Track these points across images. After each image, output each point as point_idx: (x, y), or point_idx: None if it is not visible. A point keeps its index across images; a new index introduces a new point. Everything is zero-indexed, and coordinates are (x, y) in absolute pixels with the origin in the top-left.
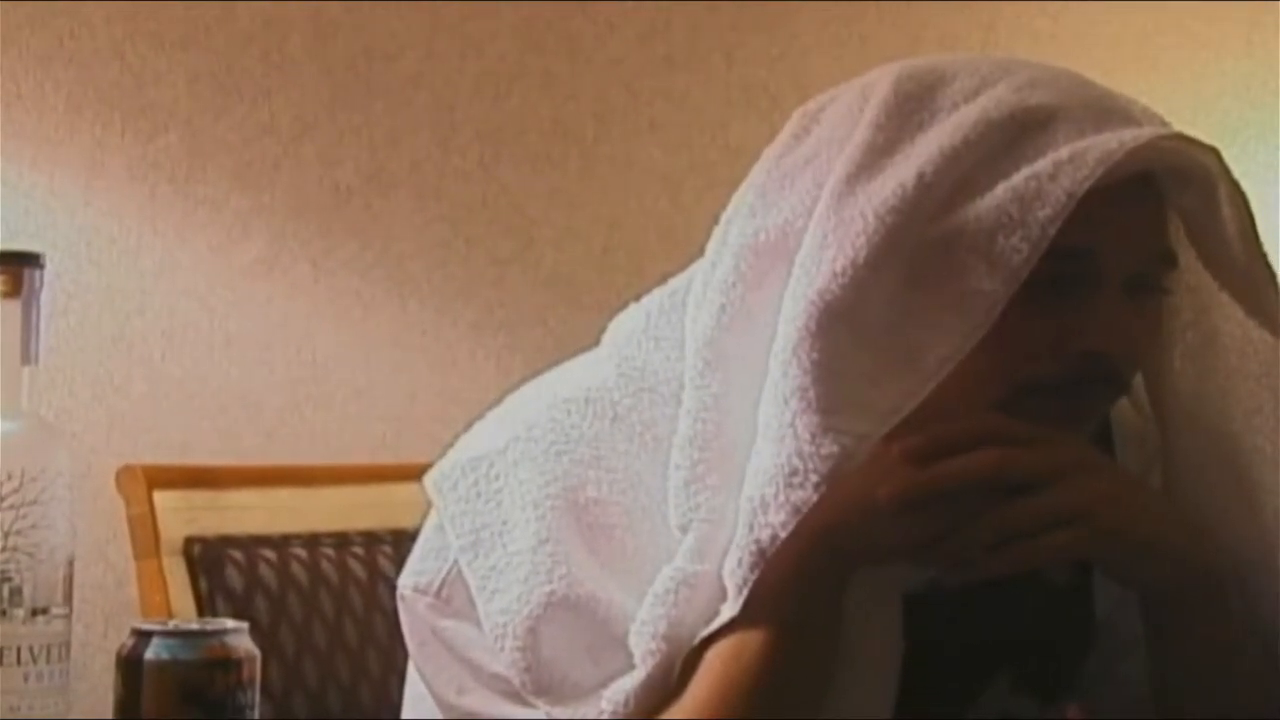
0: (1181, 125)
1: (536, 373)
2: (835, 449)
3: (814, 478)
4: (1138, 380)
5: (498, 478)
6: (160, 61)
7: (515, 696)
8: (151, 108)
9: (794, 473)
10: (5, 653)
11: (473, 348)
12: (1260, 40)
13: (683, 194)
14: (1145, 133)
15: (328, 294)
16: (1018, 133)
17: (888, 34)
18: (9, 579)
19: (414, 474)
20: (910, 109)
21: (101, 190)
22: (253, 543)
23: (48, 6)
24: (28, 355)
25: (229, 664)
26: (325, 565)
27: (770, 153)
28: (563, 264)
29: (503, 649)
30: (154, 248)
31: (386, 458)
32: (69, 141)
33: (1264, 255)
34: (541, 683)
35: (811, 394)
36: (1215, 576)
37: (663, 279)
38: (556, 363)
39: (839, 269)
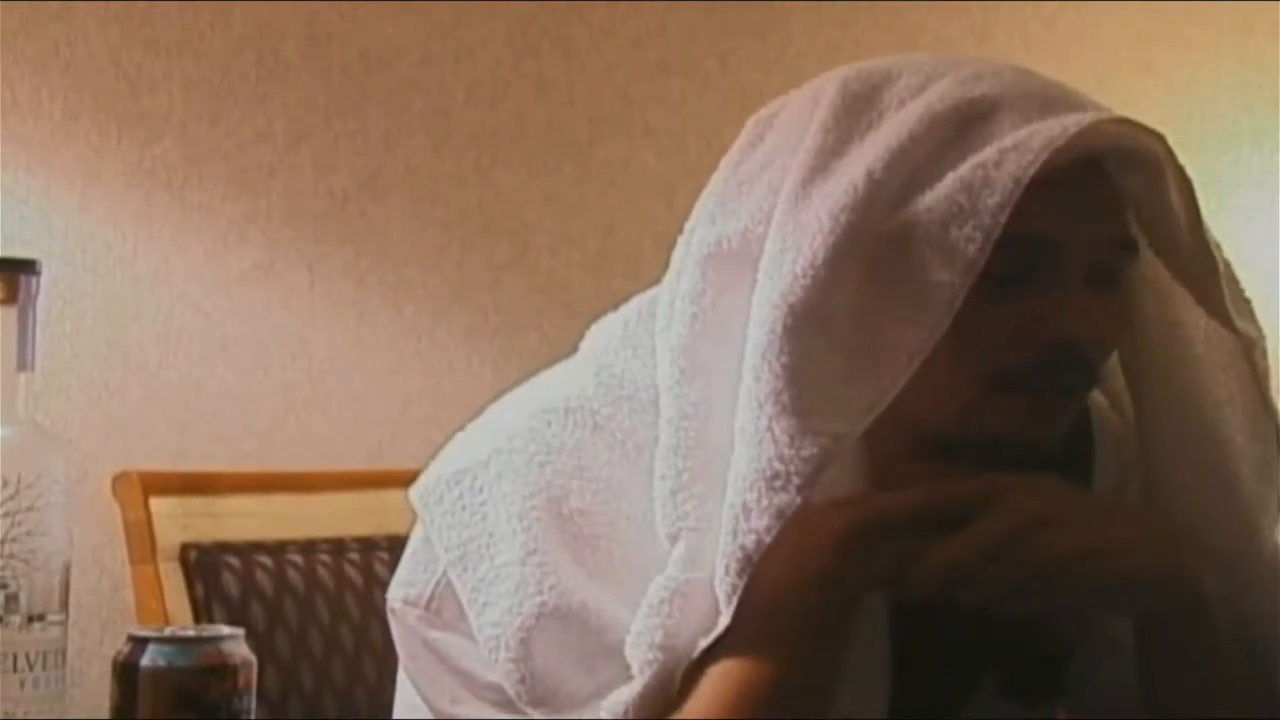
0: (1177, 130)
1: (532, 377)
2: (815, 450)
3: (796, 480)
4: (1121, 384)
5: (481, 490)
6: (156, 68)
7: (508, 706)
8: (147, 114)
9: (775, 476)
10: (2, 659)
11: (468, 353)
12: (1256, 45)
13: (677, 199)
14: (1088, 116)
15: (323, 299)
16: (962, 124)
17: (881, 38)
18: (5, 585)
19: (410, 479)
20: (858, 110)
21: (97, 197)
22: (249, 549)
23: (43, 12)
24: (24, 361)
25: (225, 670)
26: (321, 571)
27: (727, 161)
28: (558, 269)
29: (496, 660)
30: (150, 254)
31: (382, 463)
32: (65, 148)
33: (1209, 243)
34: (536, 693)
35: (786, 397)
36: (1203, 592)
37: (657, 284)
38: (552, 367)
39: (800, 270)
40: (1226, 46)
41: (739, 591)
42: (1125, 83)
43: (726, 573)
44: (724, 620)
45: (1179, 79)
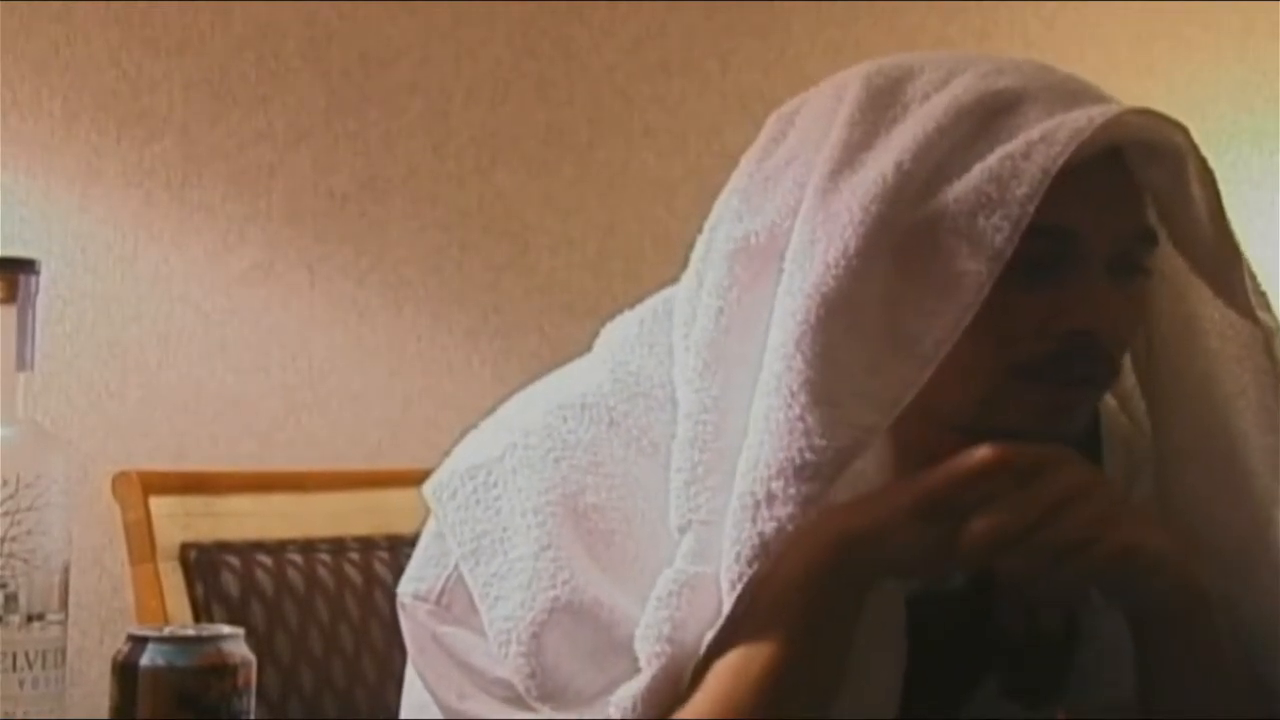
0: None
1: (532, 378)
2: (847, 442)
3: (827, 471)
4: (1131, 384)
5: (496, 485)
6: (156, 68)
7: (517, 701)
8: (147, 114)
9: (805, 466)
10: (2, 659)
11: (468, 353)
12: (1256, 45)
13: (677, 199)
14: (1113, 108)
15: (323, 300)
16: (988, 116)
17: (882, 39)
18: (5, 585)
19: (409, 479)
20: (883, 103)
21: (97, 196)
22: (248, 548)
23: (43, 12)
24: (23, 361)
25: (225, 670)
26: (321, 571)
27: (749, 158)
28: (558, 269)
29: (507, 655)
30: (149, 254)
31: (382, 463)
32: (65, 148)
33: (1232, 234)
34: (546, 688)
35: (820, 387)
36: (1205, 592)
37: (658, 284)
38: (552, 368)
39: (831, 261)
40: (1226, 46)
41: (745, 581)
42: (1125, 83)
43: (737, 560)
44: (726, 609)
45: (1179, 79)
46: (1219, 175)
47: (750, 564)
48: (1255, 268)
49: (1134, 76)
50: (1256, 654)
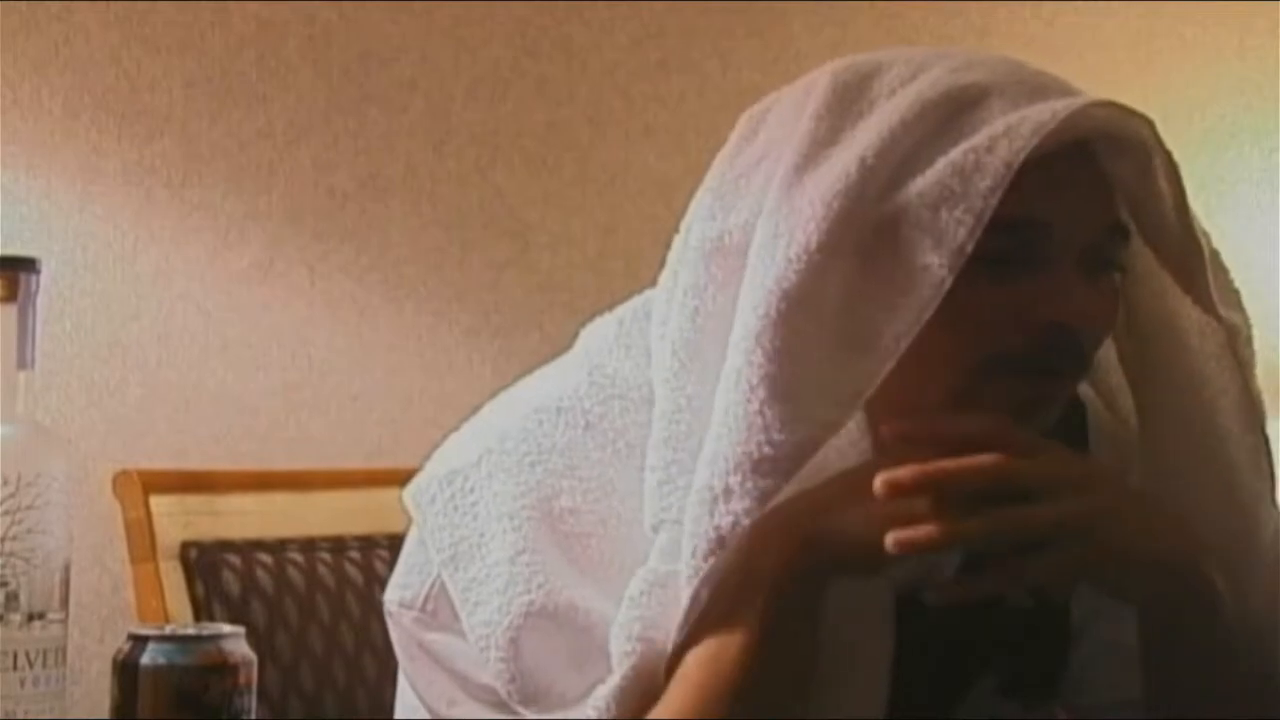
0: (1176, 129)
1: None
2: (804, 436)
3: (784, 465)
4: (1117, 381)
5: (473, 490)
6: (156, 66)
7: (503, 707)
8: (147, 112)
9: (762, 460)
10: (2, 657)
11: (468, 352)
12: (1254, 44)
13: (677, 198)
14: (1077, 101)
15: (323, 298)
16: (953, 110)
17: (882, 38)
18: (5, 584)
19: (409, 479)
20: (850, 98)
21: (97, 195)
22: (249, 547)
23: (44, 11)
24: (24, 360)
25: (225, 669)
26: (321, 570)
27: (722, 157)
28: (558, 268)
29: (487, 660)
30: (149, 252)
31: (382, 462)
32: (65, 146)
33: (1195, 229)
34: (527, 692)
35: (779, 382)
36: (1213, 587)
37: (657, 283)
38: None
39: (793, 255)
40: (1226, 46)
41: (701, 576)
42: (1125, 83)
43: (694, 555)
44: (684, 603)
45: (1179, 79)
46: (1219, 174)
47: (706, 559)
48: (1254, 266)
49: (1134, 76)
50: (1243, 650)
